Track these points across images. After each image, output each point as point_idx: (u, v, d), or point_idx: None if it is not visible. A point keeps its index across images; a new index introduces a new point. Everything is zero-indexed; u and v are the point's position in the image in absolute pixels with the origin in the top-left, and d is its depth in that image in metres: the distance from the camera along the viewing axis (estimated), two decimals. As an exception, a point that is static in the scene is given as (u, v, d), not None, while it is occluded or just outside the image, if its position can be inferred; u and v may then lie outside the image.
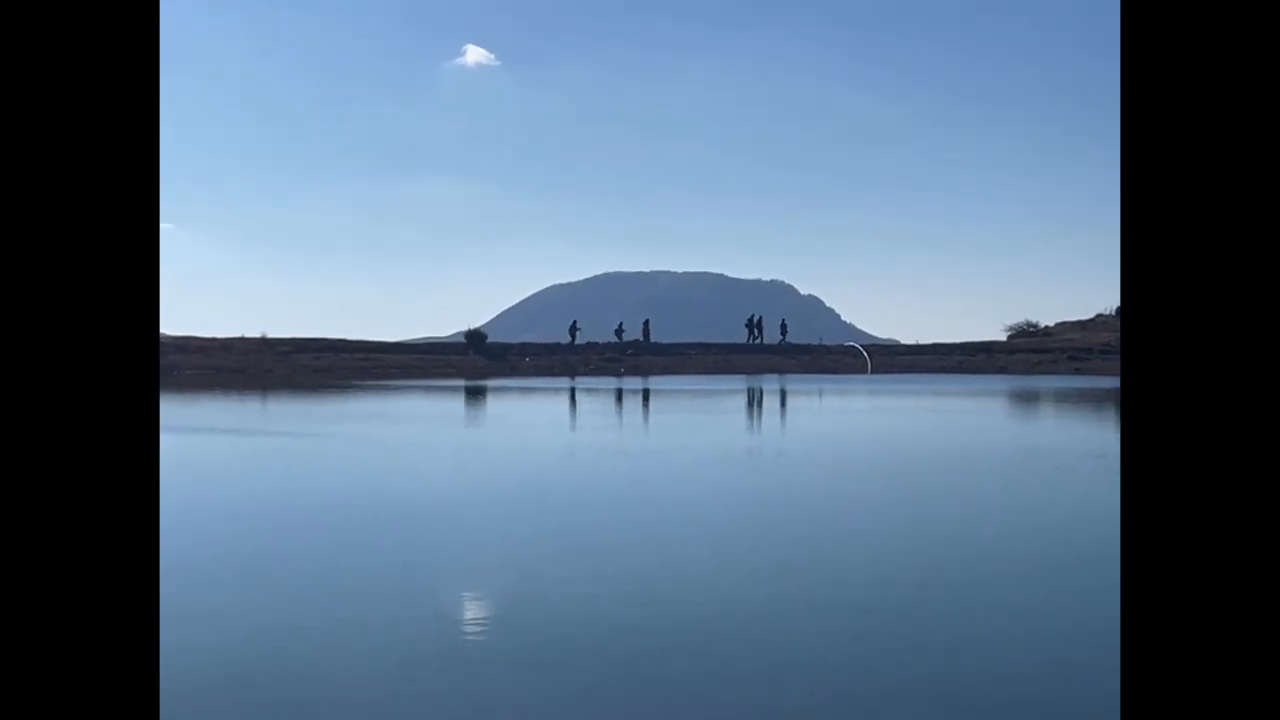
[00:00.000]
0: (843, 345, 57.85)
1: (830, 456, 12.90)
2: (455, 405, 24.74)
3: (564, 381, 38.00)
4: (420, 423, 18.75)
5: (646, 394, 29.46)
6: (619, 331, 56.63)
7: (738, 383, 36.55)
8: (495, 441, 14.77)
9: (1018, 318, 63.66)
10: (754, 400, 25.66)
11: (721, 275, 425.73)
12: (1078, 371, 46.58)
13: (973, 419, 19.57)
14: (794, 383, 36.15)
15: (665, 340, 58.33)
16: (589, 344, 55.47)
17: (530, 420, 19.85)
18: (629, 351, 53.36)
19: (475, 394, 29.62)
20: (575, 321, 57.89)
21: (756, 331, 55.67)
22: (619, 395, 28.77)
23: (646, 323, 57.86)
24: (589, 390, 31.72)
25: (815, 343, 58.60)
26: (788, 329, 56.90)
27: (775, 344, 55.29)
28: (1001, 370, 49.15)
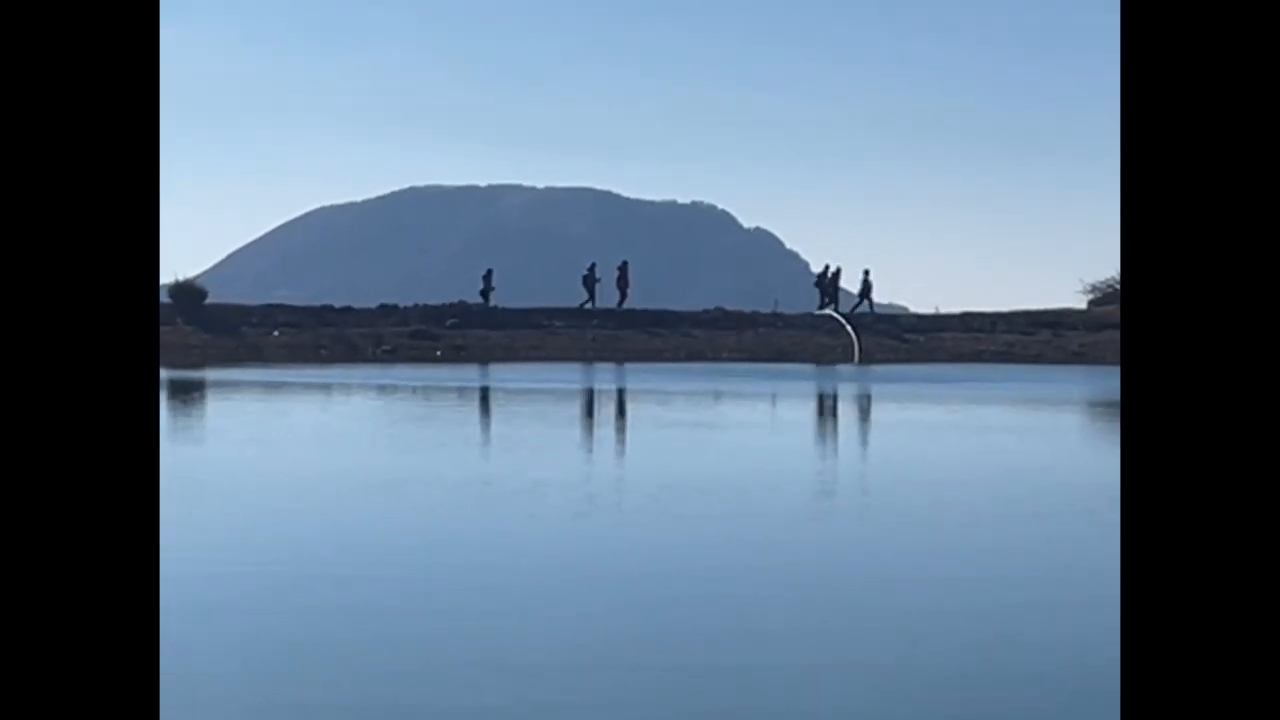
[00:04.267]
0: (812, 314, 58.92)
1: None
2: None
3: (335, 373, 37.96)
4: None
5: (485, 401, 29.79)
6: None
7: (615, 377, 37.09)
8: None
9: (1106, 271, 65.04)
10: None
11: (609, 194, 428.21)
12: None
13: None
14: (690, 379, 36.71)
15: (512, 299, 58.82)
16: (383, 307, 55.53)
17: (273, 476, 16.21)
18: (450, 322, 53.48)
19: (181, 400, 29.50)
20: (490, 272, 58.16)
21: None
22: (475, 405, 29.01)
23: (624, 268, 58.31)
24: (381, 391, 31.80)
25: (769, 308, 59.66)
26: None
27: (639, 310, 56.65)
28: (1079, 357, 50.20)
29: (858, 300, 59.61)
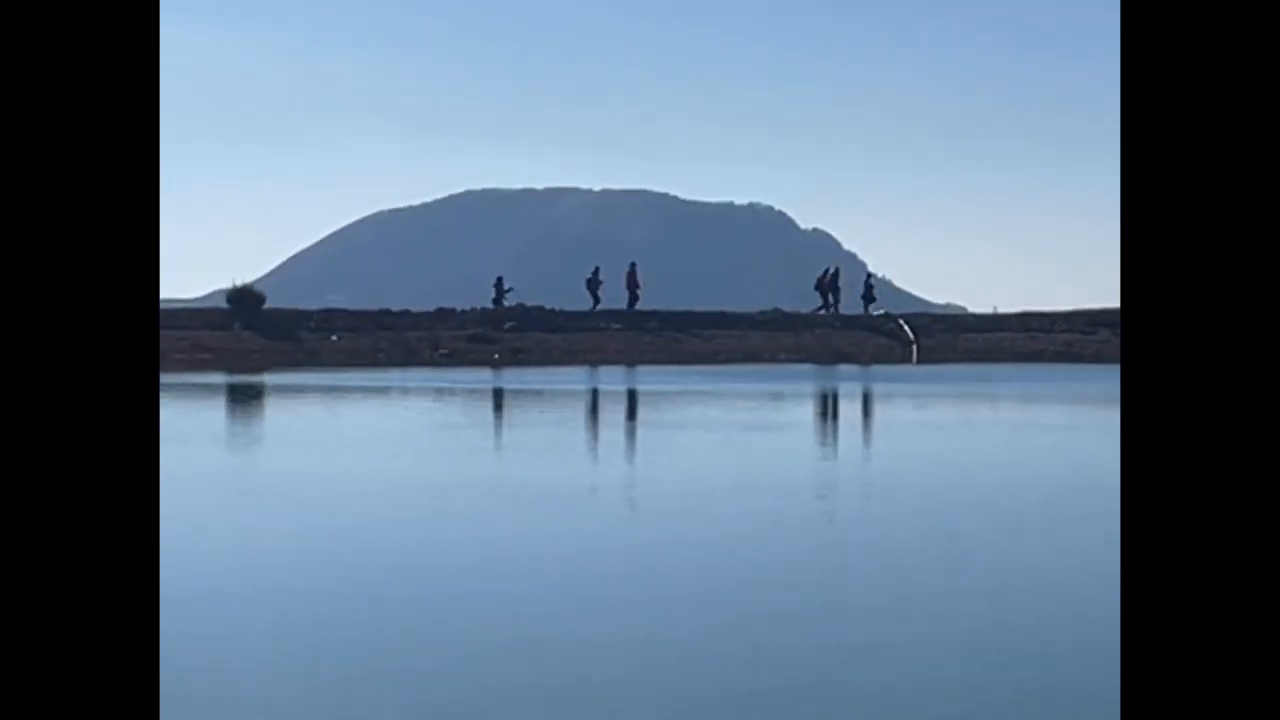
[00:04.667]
0: (869, 314, 58.85)
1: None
2: (199, 433, 21.45)
3: (394, 376, 38.13)
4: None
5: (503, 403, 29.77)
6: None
7: (686, 379, 37.16)
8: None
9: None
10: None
11: (666, 195, 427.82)
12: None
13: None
14: (760, 380, 36.79)
15: (569, 302, 58.87)
16: (440, 311, 55.70)
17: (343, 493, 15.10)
18: (508, 325, 53.63)
19: (243, 402, 29.74)
20: (501, 279, 58.26)
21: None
22: (497, 405, 29.10)
23: (633, 270, 58.54)
24: (439, 394, 31.92)
25: (819, 307, 59.61)
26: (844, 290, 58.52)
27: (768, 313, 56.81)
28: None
29: (864, 303, 59.56)
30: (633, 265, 59.34)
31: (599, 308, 57.41)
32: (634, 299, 58.09)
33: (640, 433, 22.84)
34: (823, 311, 58.58)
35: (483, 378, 38.04)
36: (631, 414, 27.15)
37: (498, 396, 31.98)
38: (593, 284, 58.26)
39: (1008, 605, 8.83)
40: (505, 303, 57.18)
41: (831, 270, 60.90)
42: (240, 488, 14.72)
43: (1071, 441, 21.20)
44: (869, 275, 60.17)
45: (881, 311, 59.03)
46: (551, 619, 8.23)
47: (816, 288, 60.36)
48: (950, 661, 7.27)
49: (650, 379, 38.07)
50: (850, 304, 59.63)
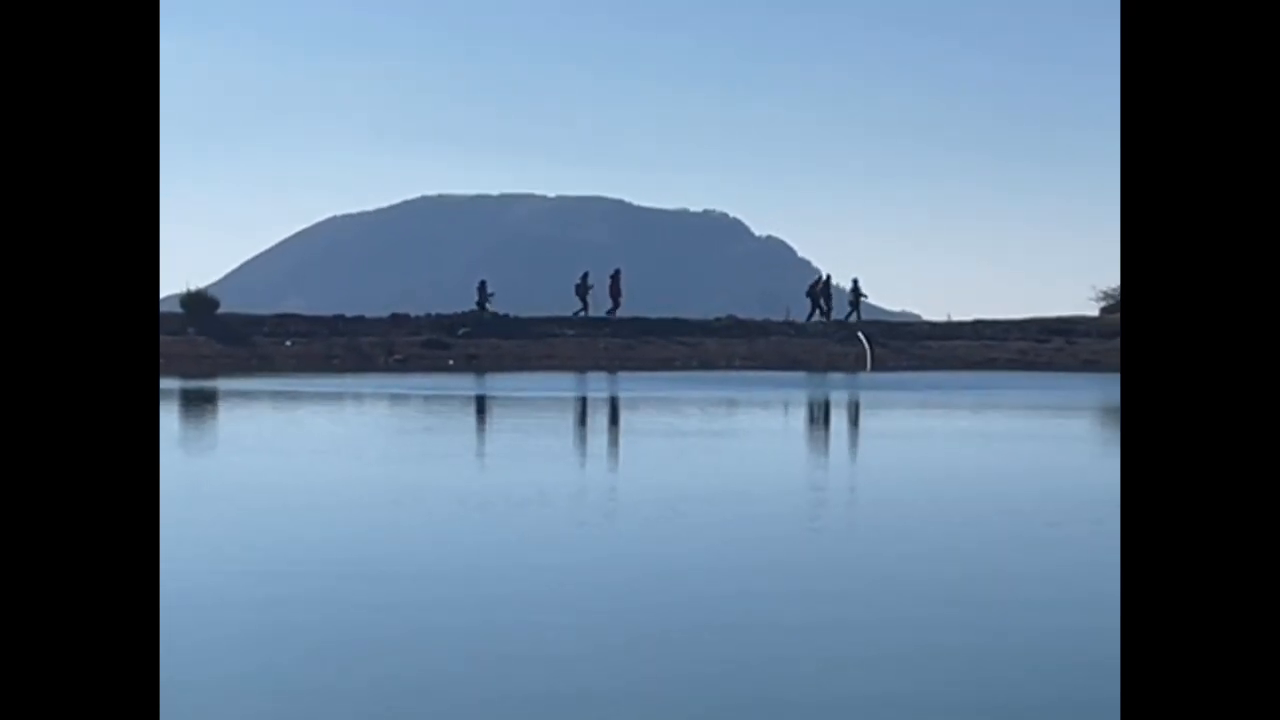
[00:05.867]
0: (823, 322, 59.06)
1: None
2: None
3: (347, 382, 38.07)
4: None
5: (482, 410, 29.82)
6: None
7: (645, 385, 37.19)
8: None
9: (1119, 279, 65.52)
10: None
11: (621, 202, 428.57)
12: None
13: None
14: (706, 387, 36.89)
15: (524, 309, 58.92)
16: (395, 316, 55.67)
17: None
18: (462, 331, 53.55)
19: (195, 408, 29.59)
20: (484, 283, 58.11)
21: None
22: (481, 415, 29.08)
23: (617, 276, 58.43)
24: (394, 400, 31.88)
25: (780, 317, 59.80)
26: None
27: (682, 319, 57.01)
28: (1091, 364, 50.44)
29: (849, 310, 60.22)
30: (616, 271, 59.70)
31: (587, 314, 57.53)
32: (616, 305, 58.28)
33: (607, 439, 22.81)
34: (816, 320, 59.03)
35: (436, 384, 37.93)
36: (613, 421, 27.11)
37: (448, 403, 31.84)
38: (581, 289, 58.54)
39: (992, 610, 8.84)
40: (489, 306, 57.21)
41: (823, 278, 61.52)
42: (190, 494, 14.52)
43: (1058, 450, 21.32)
44: (856, 281, 60.44)
45: (840, 317, 59.57)
46: (495, 625, 8.14)
47: (809, 294, 60.85)
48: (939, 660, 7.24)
49: (609, 385, 38.08)
50: (839, 310, 60.23)
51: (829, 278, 62.00)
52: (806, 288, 62.44)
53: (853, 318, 59.91)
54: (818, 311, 60.06)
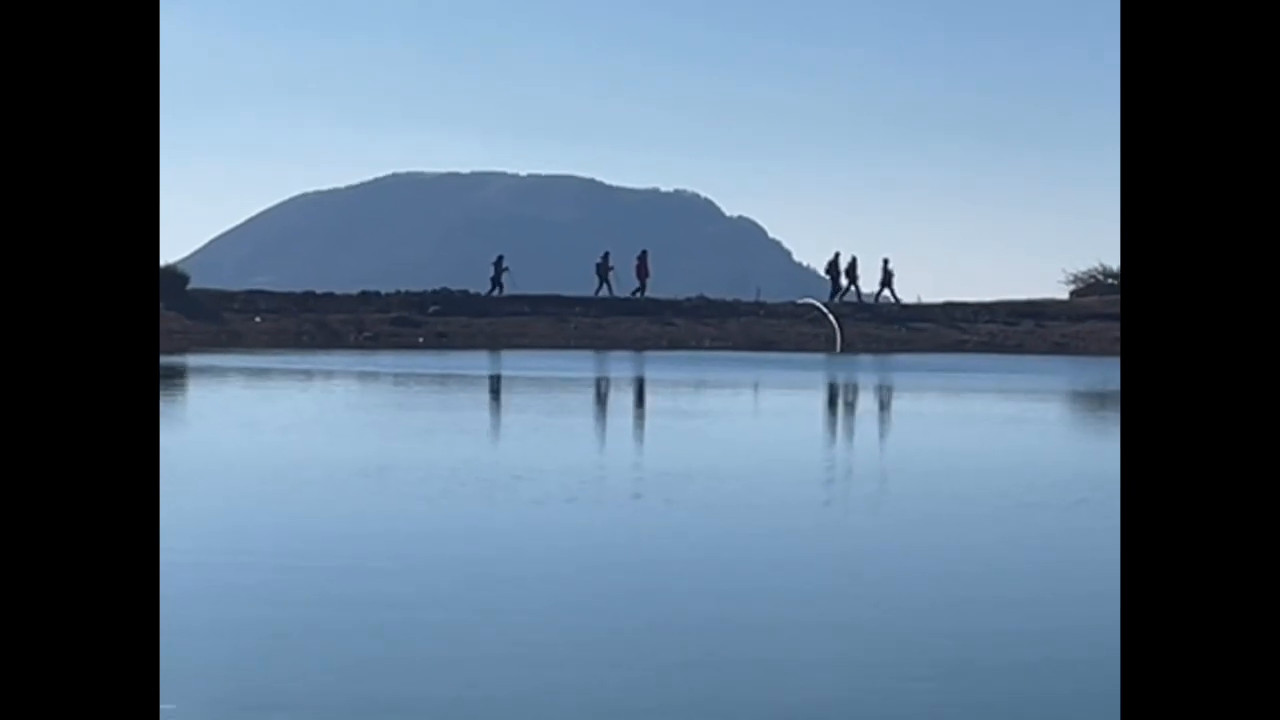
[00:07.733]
0: (794, 303, 58.95)
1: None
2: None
3: (319, 359, 38.03)
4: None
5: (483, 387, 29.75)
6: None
7: (611, 364, 37.18)
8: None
9: (1089, 262, 65.51)
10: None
11: (593, 181, 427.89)
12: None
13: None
14: (684, 367, 36.87)
15: (486, 285, 58.57)
16: (364, 294, 55.47)
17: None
18: (432, 309, 53.39)
19: (168, 385, 29.44)
20: (501, 258, 57.53)
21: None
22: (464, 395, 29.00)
23: (644, 257, 57.80)
24: (362, 378, 31.82)
25: (751, 297, 59.65)
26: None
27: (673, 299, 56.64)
28: (1061, 348, 50.71)
29: (879, 289, 59.32)
30: (644, 252, 59.06)
31: (612, 293, 56.91)
32: (643, 286, 57.71)
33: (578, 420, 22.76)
34: (844, 298, 57.89)
35: (401, 361, 37.85)
36: (604, 402, 27.07)
37: (406, 381, 31.77)
38: (602, 269, 57.94)
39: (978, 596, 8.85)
40: (504, 282, 56.75)
41: (849, 258, 59.77)
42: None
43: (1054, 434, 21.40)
44: (886, 261, 59.36)
45: (794, 302, 59.03)
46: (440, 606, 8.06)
47: (827, 272, 59.81)
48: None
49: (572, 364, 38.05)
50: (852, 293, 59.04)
51: (854, 259, 60.19)
52: (825, 265, 60.82)
53: (884, 296, 59.14)
54: (851, 290, 58.91)
